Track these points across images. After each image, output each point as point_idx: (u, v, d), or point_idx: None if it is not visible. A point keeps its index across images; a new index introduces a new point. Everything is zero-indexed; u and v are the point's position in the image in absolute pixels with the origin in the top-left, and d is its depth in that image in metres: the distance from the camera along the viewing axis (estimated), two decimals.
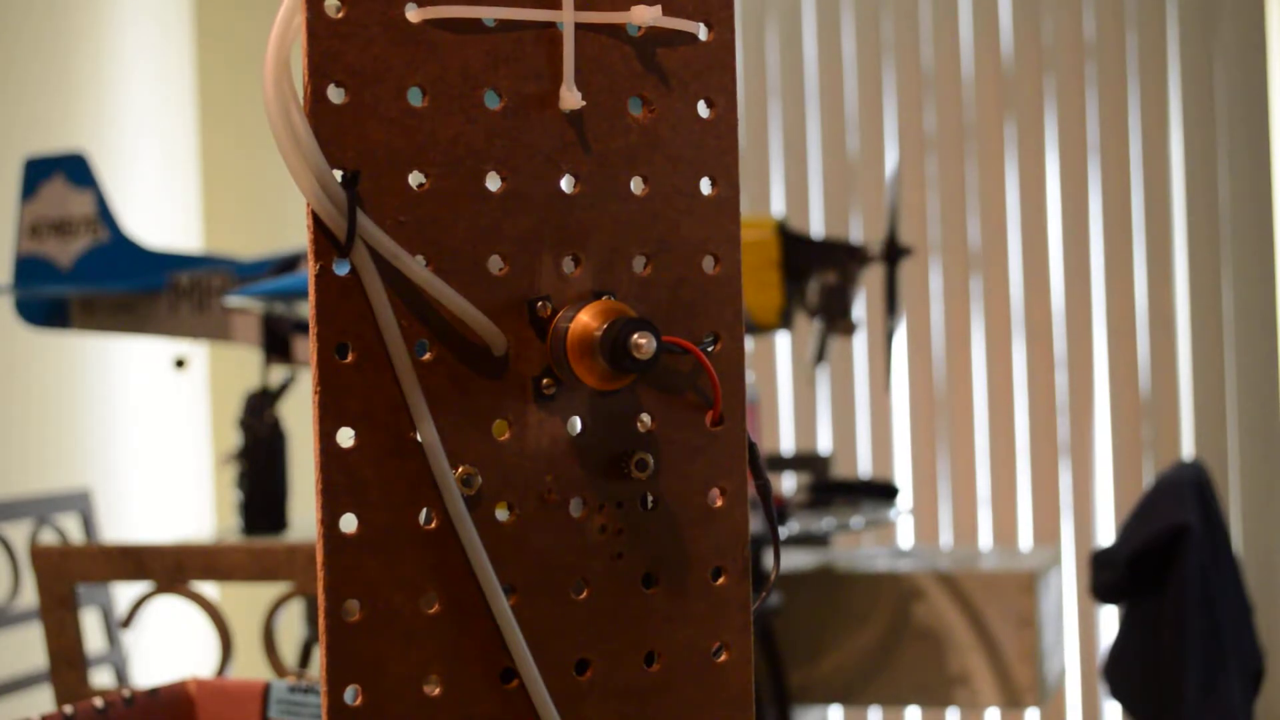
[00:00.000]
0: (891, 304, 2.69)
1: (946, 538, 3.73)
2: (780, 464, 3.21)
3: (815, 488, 2.81)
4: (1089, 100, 3.64)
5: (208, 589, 2.36)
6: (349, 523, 0.77)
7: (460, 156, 0.79)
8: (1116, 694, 2.34)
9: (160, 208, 3.65)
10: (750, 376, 2.51)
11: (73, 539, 2.49)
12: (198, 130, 3.88)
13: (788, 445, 3.79)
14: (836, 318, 2.61)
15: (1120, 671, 2.32)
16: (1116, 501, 3.60)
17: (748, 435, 0.86)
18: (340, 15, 0.76)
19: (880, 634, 2.58)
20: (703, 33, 0.85)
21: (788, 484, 3.40)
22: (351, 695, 0.77)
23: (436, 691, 0.79)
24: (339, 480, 0.77)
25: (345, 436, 0.77)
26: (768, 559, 2.34)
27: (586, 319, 0.80)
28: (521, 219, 0.80)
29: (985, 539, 3.71)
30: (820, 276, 2.62)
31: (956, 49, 3.72)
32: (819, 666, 2.61)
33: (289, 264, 2.45)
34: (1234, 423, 3.54)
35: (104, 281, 2.61)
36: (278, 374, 2.55)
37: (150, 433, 3.56)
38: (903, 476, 3.75)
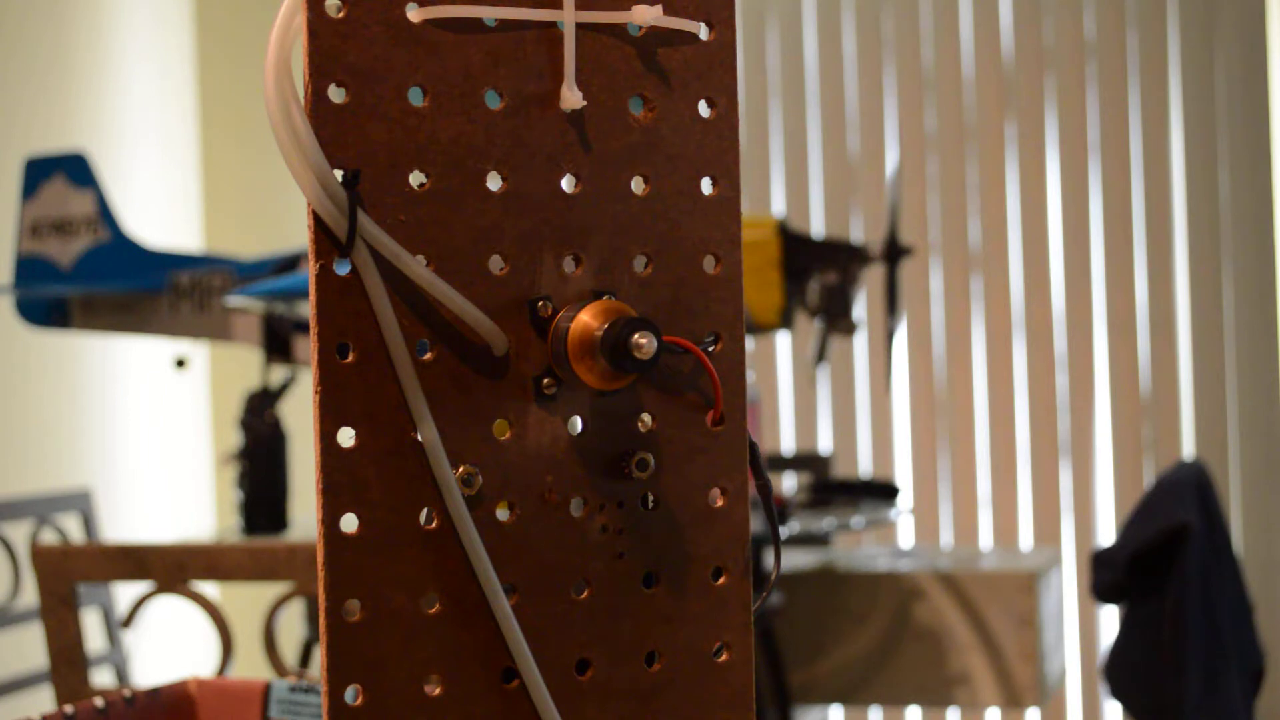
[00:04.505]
0: (892, 304, 2.69)
1: (947, 538, 3.73)
2: (781, 464, 3.21)
3: (816, 487, 2.81)
4: (1089, 100, 3.64)
5: (208, 589, 2.36)
6: (349, 523, 0.77)
7: (461, 156, 0.79)
8: (1116, 694, 2.34)
9: (160, 208, 3.65)
10: (751, 376, 2.51)
11: (73, 539, 2.49)
12: (198, 130, 3.88)
13: (788, 445, 3.79)
14: (837, 318, 2.61)
15: (1120, 671, 2.32)
16: (1117, 501, 3.60)
17: (748, 435, 0.86)
18: (341, 15, 0.76)
19: (880, 634, 2.58)
20: (704, 32, 0.85)
21: (788, 484, 3.40)
22: (352, 695, 0.77)
23: (437, 691, 0.79)
24: (339, 480, 0.77)
25: (346, 436, 0.77)
26: (768, 559, 2.34)
27: (587, 319, 0.80)
28: (522, 219, 0.80)
29: (985, 539, 3.70)
30: (821, 276, 2.62)
31: (957, 49, 3.72)
32: (819, 666, 2.61)
33: (289, 264, 2.45)
34: (1234, 423, 3.54)
35: (104, 281, 2.61)
36: (278, 374, 2.55)
37: (150, 433, 3.56)
38: (903, 476, 3.75)
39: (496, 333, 0.79)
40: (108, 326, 2.65)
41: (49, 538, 2.41)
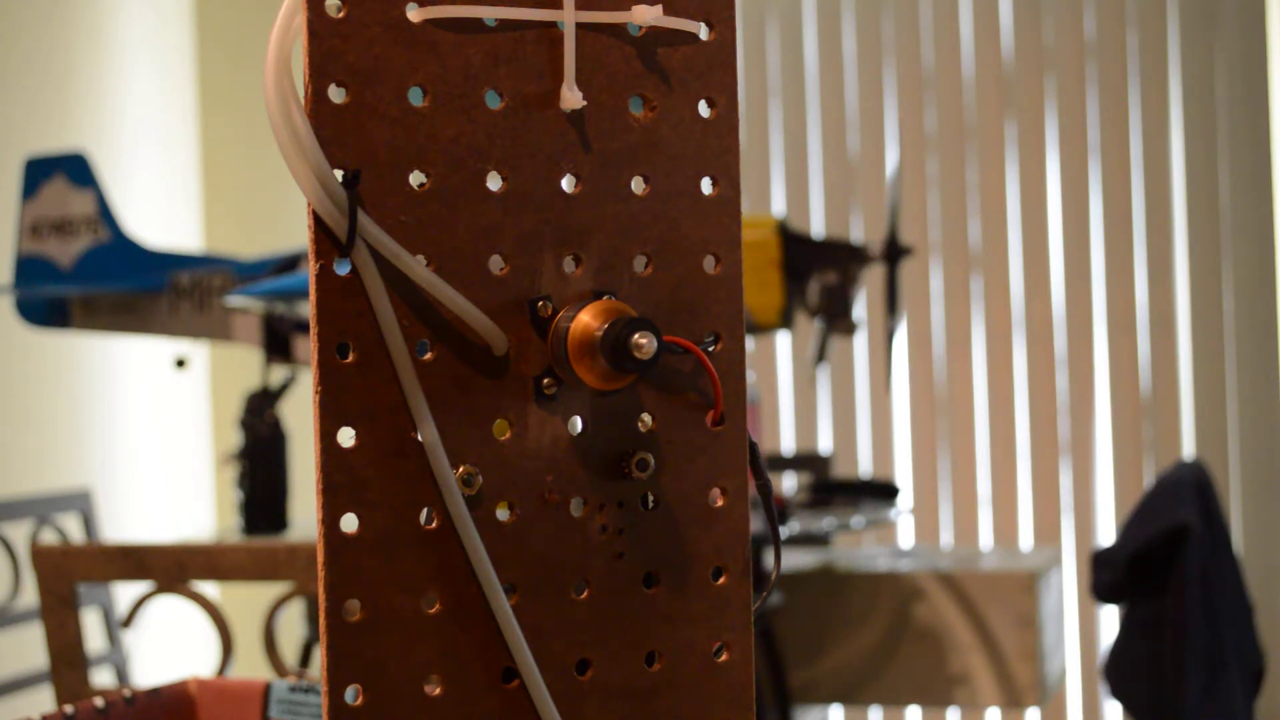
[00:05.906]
0: (892, 304, 2.69)
1: (947, 538, 3.73)
2: (781, 464, 3.21)
3: (816, 487, 2.81)
4: (1089, 100, 3.64)
5: (208, 589, 2.36)
6: (349, 523, 0.77)
7: (461, 156, 0.79)
8: (1117, 694, 2.34)
9: (160, 208, 3.65)
10: (751, 376, 2.51)
11: (73, 539, 2.49)
12: (198, 130, 3.88)
13: (788, 445, 3.79)
14: (837, 318, 2.61)
15: (1120, 671, 2.32)
16: (1117, 501, 3.60)
17: (748, 435, 0.86)
18: (341, 15, 0.76)
19: (880, 634, 2.58)
20: (704, 32, 0.85)
21: (788, 484, 3.40)
22: (352, 695, 0.77)
23: (437, 691, 0.79)
24: (339, 480, 0.77)
25: (346, 436, 0.77)
26: (768, 559, 2.34)
27: (587, 319, 0.80)
28: (522, 219, 0.80)
29: (985, 539, 3.70)
30: (821, 276, 2.62)
31: (957, 49, 3.72)
32: (819, 666, 2.61)
33: (289, 264, 2.45)
34: (1234, 423, 3.54)
35: (104, 281, 2.61)
36: (278, 374, 2.55)
37: (150, 433, 3.56)
38: (903, 476, 3.75)
39: (496, 333, 0.79)
40: (108, 326, 2.65)
41: (49, 538, 2.41)
